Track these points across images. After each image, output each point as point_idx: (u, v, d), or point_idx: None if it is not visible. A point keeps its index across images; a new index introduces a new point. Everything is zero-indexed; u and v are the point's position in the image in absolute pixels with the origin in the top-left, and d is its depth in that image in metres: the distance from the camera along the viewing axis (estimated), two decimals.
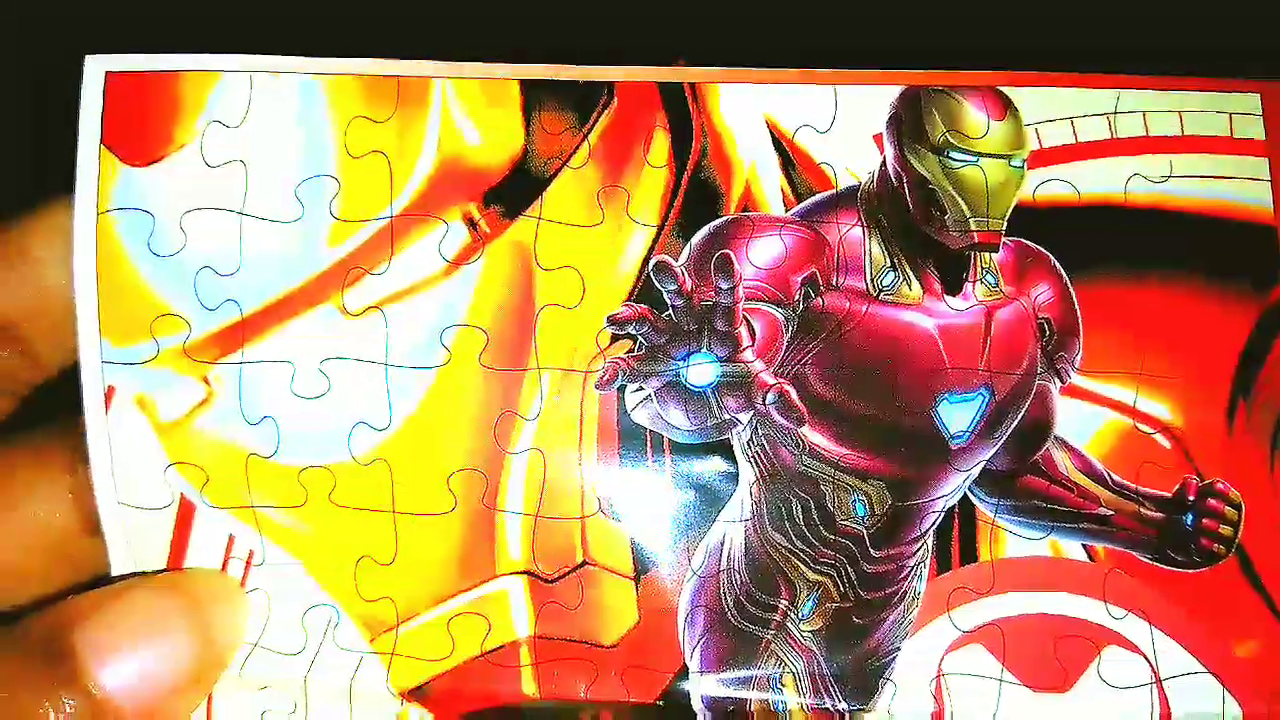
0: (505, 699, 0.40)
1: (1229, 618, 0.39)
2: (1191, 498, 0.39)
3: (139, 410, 0.40)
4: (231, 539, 0.40)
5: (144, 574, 0.40)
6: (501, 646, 0.40)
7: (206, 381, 0.40)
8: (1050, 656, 0.39)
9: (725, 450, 0.40)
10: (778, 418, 0.38)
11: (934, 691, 0.39)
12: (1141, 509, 0.40)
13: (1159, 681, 0.39)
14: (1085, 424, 0.40)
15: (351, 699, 0.40)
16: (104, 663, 0.37)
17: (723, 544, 0.39)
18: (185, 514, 0.40)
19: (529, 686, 0.40)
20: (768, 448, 0.39)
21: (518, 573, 0.40)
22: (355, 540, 0.40)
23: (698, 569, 0.39)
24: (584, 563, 0.40)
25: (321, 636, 0.40)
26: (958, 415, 0.39)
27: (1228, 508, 0.39)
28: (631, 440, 0.39)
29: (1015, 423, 0.40)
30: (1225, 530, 0.39)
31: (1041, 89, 0.41)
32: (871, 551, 0.39)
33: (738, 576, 0.39)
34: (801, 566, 0.40)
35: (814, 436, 0.39)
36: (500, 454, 0.39)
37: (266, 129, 0.40)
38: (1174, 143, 0.41)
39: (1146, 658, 0.39)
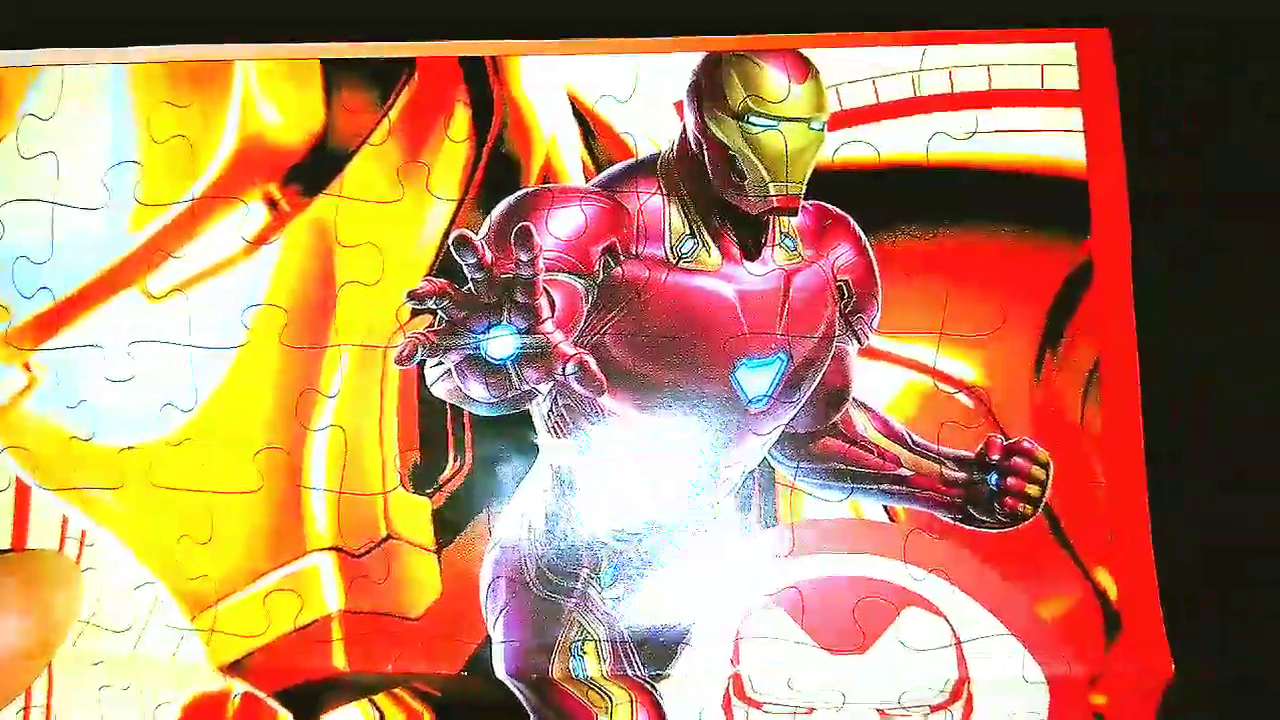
0: (317, 674, 0.41)
1: (1036, 578, 0.39)
2: (995, 457, 0.39)
3: None
4: (65, 520, 0.42)
5: None
6: (314, 622, 0.41)
7: (28, 368, 0.41)
8: (848, 619, 0.39)
9: (526, 421, 0.40)
10: (577, 388, 0.39)
11: (732, 655, 0.40)
12: (944, 469, 0.40)
13: (958, 643, 0.39)
14: (885, 385, 0.40)
15: (177, 675, 0.42)
16: None
17: (524, 514, 0.40)
18: (22, 496, 0.42)
19: (339, 660, 0.41)
20: (568, 418, 0.40)
21: (326, 549, 0.41)
22: (174, 520, 0.41)
23: (499, 540, 0.40)
24: (388, 536, 0.41)
25: (147, 614, 0.42)
26: (756, 379, 0.39)
27: (1034, 467, 0.39)
28: (432, 414, 0.40)
29: (813, 386, 0.40)
30: (1032, 490, 0.39)
31: (844, 49, 0.41)
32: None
33: (539, 546, 0.40)
34: (602, 534, 0.40)
35: (613, 404, 0.40)
36: (302, 431, 0.40)
37: (76, 119, 0.42)
38: (981, 98, 0.41)
39: (946, 619, 0.40)
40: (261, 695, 0.42)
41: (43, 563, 0.42)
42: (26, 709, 0.42)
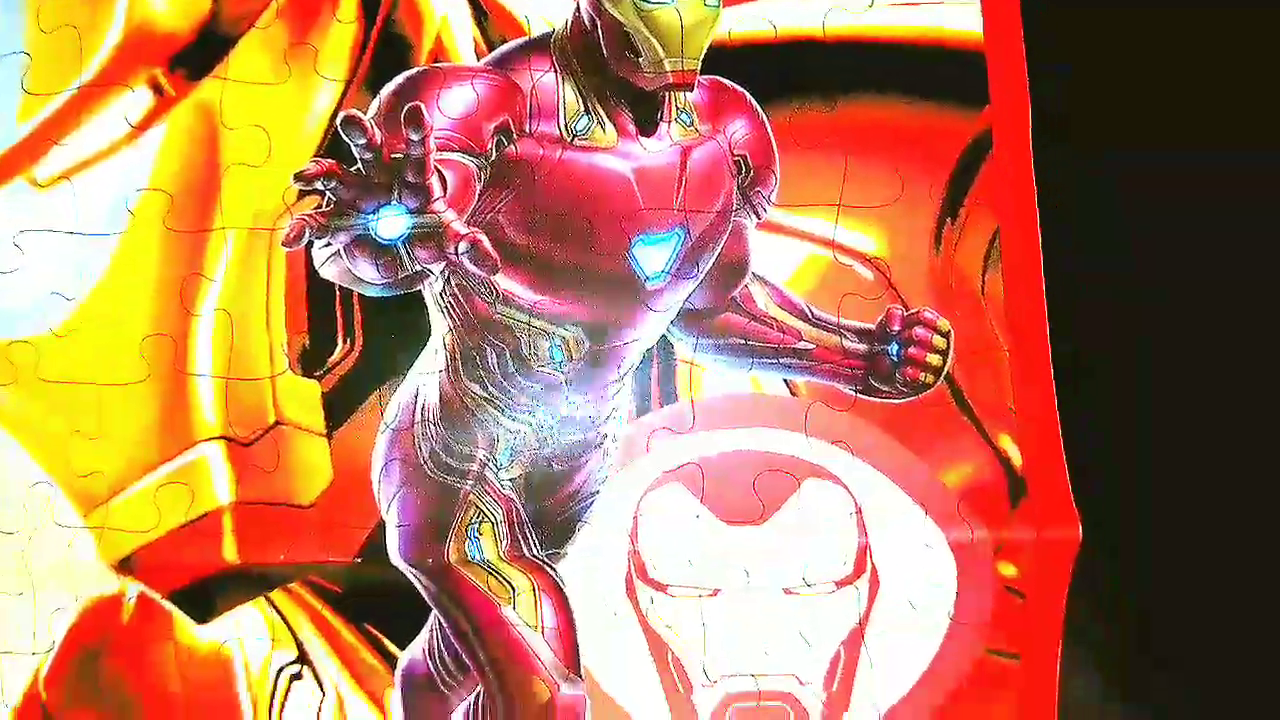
0: (208, 568, 0.41)
1: (938, 447, 0.39)
2: (896, 328, 0.39)
3: None
4: None
5: None
6: (204, 515, 0.40)
7: None
8: (748, 491, 0.39)
9: (417, 302, 0.40)
10: (470, 267, 0.38)
11: (630, 532, 0.40)
12: (844, 341, 0.40)
13: (859, 512, 0.39)
14: (784, 259, 0.40)
15: (71, 574, 0.41)
16: None
17: (416, 396, 0.40)
18: None
19: (230, 553, 0.40)
20: (460, 298, 0.40)
21: (215, 438, 0.40)
22: (64, 415, 0.41)
23: (391, 422, 0.40)
24: (277, 423, 0.40)
25: (41, 514, 0.41)
26: (653, 256, 0.39)
27: (935, 336, 0.39)
28: (320, 297, 0.40)
29: (712, 261, 0.40)
30: (933, 359, 0.39)
31: None
32: (569, 397, 0.40)
33: (433, 428, 0.40)
34: (498, 415, 0.40)
35: (508, 284, 0.39)
36: (187, 316, 0.40)
37: None
38: None
39: (847, 489, 0.39)
40: (155, 596, 0.41)
41: None
42: None
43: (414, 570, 0.40)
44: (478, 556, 0.40)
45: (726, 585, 0.40)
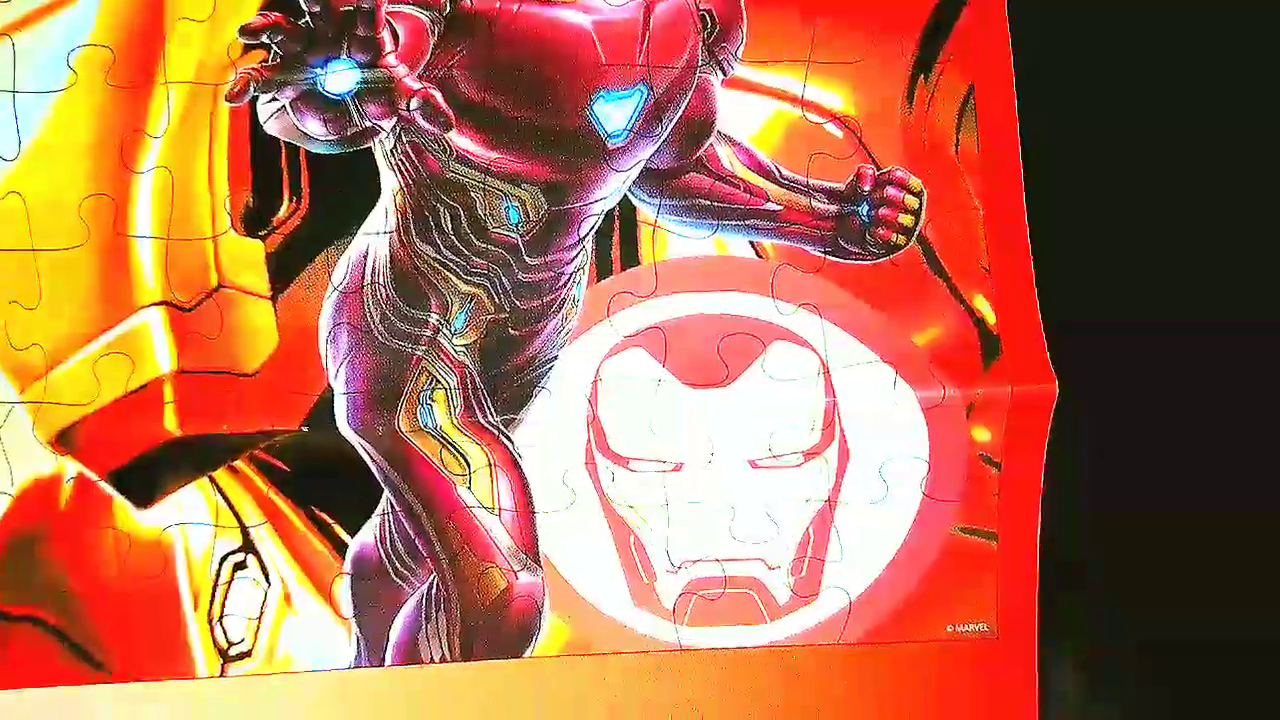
0: (149, 441, 0.39)
1: (909, 307, 0.38)
2: (867, 187, 0.38)
3: None
4: None
5: None
6: (145, 385, 0.39)
7: None
8: (712, 355, 0.38)
9: (367, 159, 0.39)
10: (423, 124, 0.37)
11: (590, 396, 0.39)
12: (813, 202, 0.39)
13: (826, 372, 0.38)
14: (751, 117, 0.39)
15: (5, 451, 0.40)
16: None
17: (366, 257, 0.39)
18: None
19: (171, 423, 0.39)
20: (413, 155, 0.38)
21: (156, 304, 0.39)
22: (3, 285, 0.40)
23: (339, 284, 0.39)
24: (219, 285, 0.39)
25: None
26: (615, 113, 0.38)
27: (907, 195, 0.38)
28: (265, 153, 0.39)
29: (675, 119, 0.39)
30: (905, 219, 0.38)
31: None
32: (526, 259, 0.39)
33: (383, 291, 0.39)
34: (452, 278, 0.39)
35: (462, 141, 0.38)
36: (127, 175, 0.39)
37: None
38: None
39: (815, 351, 0.38)
40: (94, 478, 0.40)
41: None
42: None
43: (364, 441, 0.39)
44: (430, 424, 0.38)
45: (690, 458, 0.39)
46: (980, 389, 0.38)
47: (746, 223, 0.39)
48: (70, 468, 0.40)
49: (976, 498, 0.38)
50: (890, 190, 0.38)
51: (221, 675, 0.40)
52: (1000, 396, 0.38)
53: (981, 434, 0.38)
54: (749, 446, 0.38)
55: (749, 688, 0.40)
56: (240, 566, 0.40)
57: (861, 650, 0.39)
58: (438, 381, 0.39)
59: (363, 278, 0.38)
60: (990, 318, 0.38)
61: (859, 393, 0.38)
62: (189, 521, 0.40)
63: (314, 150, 0.39)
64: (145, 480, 0.40)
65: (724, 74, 0.39)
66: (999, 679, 0.39)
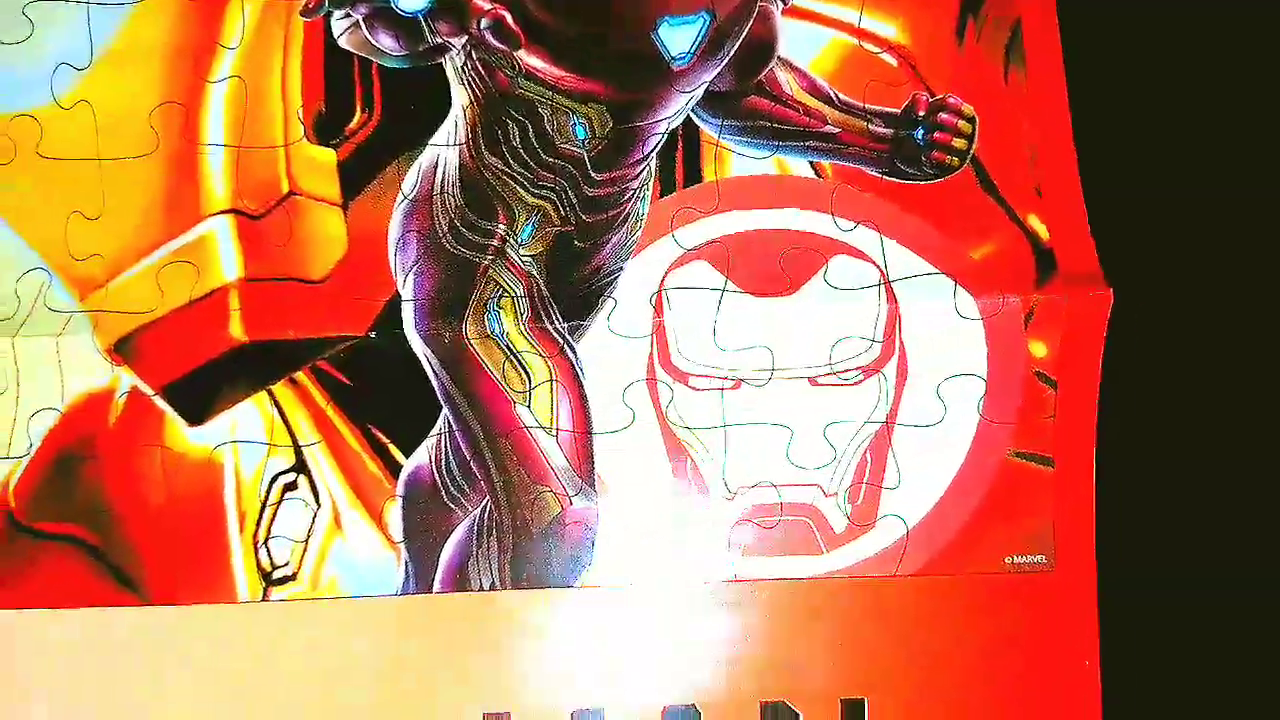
0: (211, 349, 0.41)
1: (965, 225, 0.41)
2: (921, 113, 0.41)
3: None
4: None
5: None
6: (210, 293, 0.41)
7: None
8: (775, 267, 0.40)
9: (438, 74, 0.42)
10: (493, 42, 0.40)
11: (654, 304, 0.41)
12: (870, 125, 0.42)
13: (887, 282, 0.41)
14: (809, 43, 0.42)
15: (60, 362, 0.41)
16: None
17: (436, 167, 0.41)
18: None
19: (236, 329, 0.41)
20: (482, 71, 0.41)
21: (224, 212, 0.41)
22: (63, 195, 0.41)
23: (409, 193, 0.41)
24: (290, 193, 0.41)
25: (34, 301, 0.41)
26: (679, 37, 0.41)
27: (961, 121, 0.41)
28: (338, 66, 0.41)
29: (737, 43, 0.42)
30: (959, 143, 0.41)
31: None
32: (592, 174, 0.41)
33: (452, 200, 0.41)
34: (520, 190, 0.41)
35: (531, 60, 0.41)
36: (200, 84, 0.41)
37: None
38: None
39: (875, 263, 0.41)
40: (149, 392, 0.41)
41: None
42: None
43: (429, 350, 0.40)
44: (498, 330, 0.40)
45: (749, 375, 0.41)
46: (1038, 296, 0.40)
47: (805, 144, 0.41)
48: (125, 381, 0.41)
49: (1032, 420, 0.40)
50: (944, 115, 0.41)
51: (264, 599, 0.41)
52: (1057, 304, 0.40)
53: (1038, 348, 0.40)
54: (809, 361, 0.40)
55: (804, 620, 0.41)
56: (291, 487, 0.41)
57: (918, 582, 0.41)
58: (504, 290, 0.41)
59: (432, 187, 0.41)
60: (1044, 234, 0.41)
61: (919, 302, 0.40)
62: (241, 440, 0.41)
63: (386, 65, 0.41)
64: (200, 395, 0.41)
65: (784, 3, 0.42)
66: (1057, 613, 0.41)
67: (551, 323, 0.40)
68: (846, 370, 0.40)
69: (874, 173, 0.41)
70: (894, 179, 0.41)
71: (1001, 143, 0.41)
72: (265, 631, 0.40)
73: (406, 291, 0.40)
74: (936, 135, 0.41)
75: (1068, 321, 0.40)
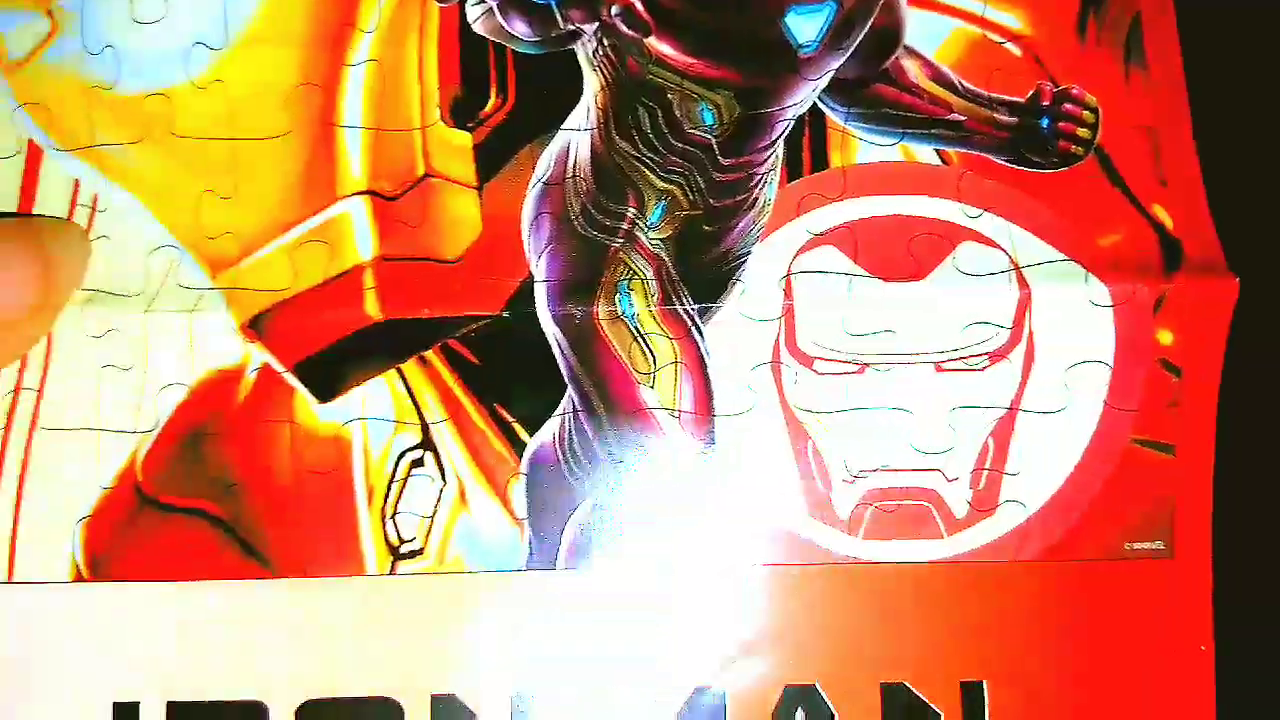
0: (345, 326, 0.42)
1: (1091, 214, 0.42)
2: (1046, 102, 0.42)
3: None
4: (77, 184, 0.43)
5: None
6: (344, 272, 0.42)
7: (50, 14, 0.43)
8: (903, 252, 0.41)
9: (570, 60, 0.43)
10: (624, 29, 0.42)
11: (784, 288, 0.42)
12: (995, 114, 0.43)
13: (1018, 268, 0.41)
14: (933, 32, 0.43)
15: (192, 339, 0.42)
16: None
17: (568, 151, 0.42)
18: (33, 162, 0.43)
19: (372, 308, 0.42)
20: (613, 58, 0.42)
21: (359, 193, 0.42)
22: (196, 174, 0.43)
23: (542, 176, 0.42)
24: (426, 175, 0.42)
25: (164, 277, 0.43)
26: (806, 25, 0.42)
27: (1085, 111, 0.42)
28: (473, 50, 0.43)
29: (863, 32, 0.43)
30: (1083, 133, 0.42)
31: None
32: (720, 159, 0.42)
33: (584, 184, 0.42)
34: (649, 174, 0.42)
35: (661, 47, 0.42)
36: (338, 66, 0.42)
37: None
38: None
39: (1004, 250, 0.42)
40: (280, 369, 0.42)
41: (48, 224, 0.43)
42: (16, 390, 0.42)
43: (559, 330, 0.41)
44: (628, 311, 0.41)
45: (875, 359, 0.41)
46: (1166, 285, 0.41)
47: (931, 131, 0.42)
48: (256, 358, 0.42)
49: (1155, 407, 0.41)
50: (1069, 105, 0.42)
51: (391, 573, 0.42)
52: (1184, 293, 0.41)
53: (1165, 336, 0.41)
54: (936, 346, 0.41)
55: (924, 603, 0.42)
56: (418, 464, 0.42)
57: (1037, 567, 0.41)
58: (634, 272, 0.42)
59: (564, 171, 0.42)
60: (1169, 223, 0.42)
61: (1050, 288, 0.41)
62: (370, 416, 0.42)
63: (520, 50, 0.42)
64: (330, 372, 0.42)
65: None
66: (1173, 599, 0.41)
67: (681, 304, 0.41)
68: (973, 356, 0.41)
69: (999, 160, 0.42)
70: (1019, 167, 0.42)
71: (1124, 134, 0.42)
72: (394, 604, 0.41)
73: (539, 272, 0.41)
74: (1062, 124, 0.42)
75: (1193, 310, 0.41)
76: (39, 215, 0.43)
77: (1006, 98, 0.42)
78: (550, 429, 0.42)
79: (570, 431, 0.42)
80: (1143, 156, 0.42)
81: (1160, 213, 0.42)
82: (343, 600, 0.41)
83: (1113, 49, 0.43)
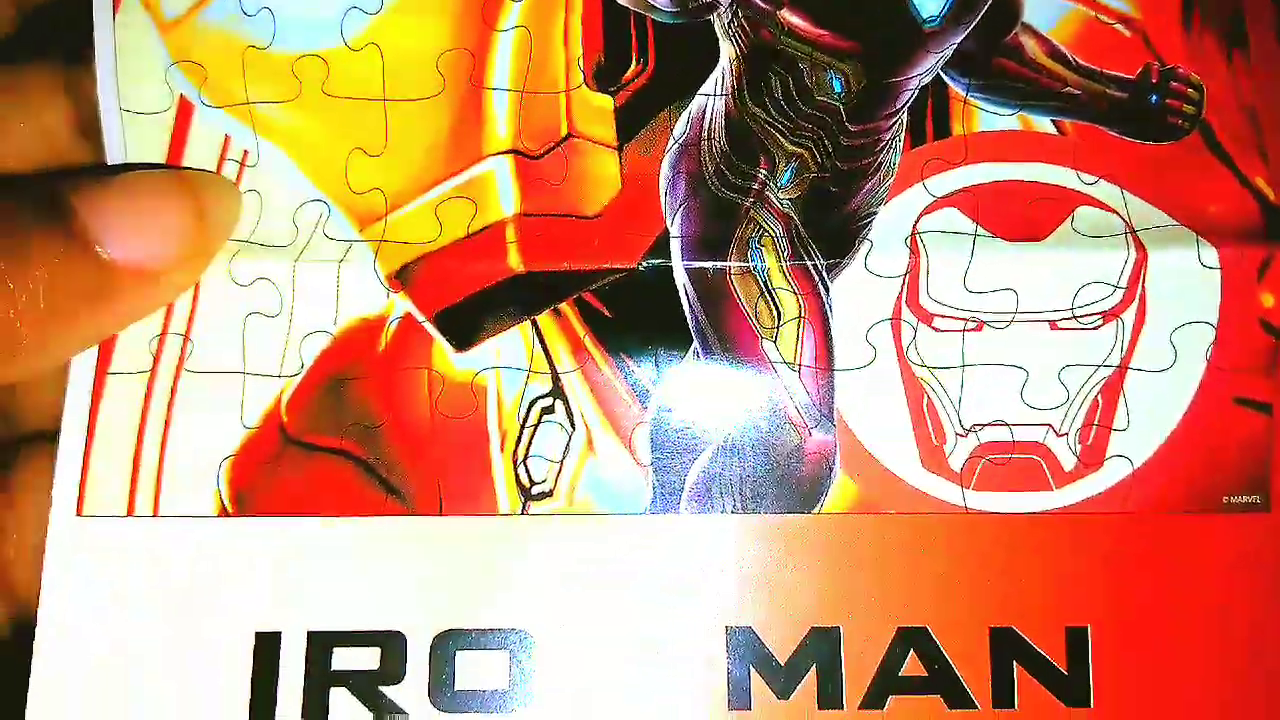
0: (487, 277, 0.45)
1: (1197, 183, 0.45)
2: (1154, 80, 0.46)
3: (144, 11, 0.46)
4: (227, 139, 0.46)
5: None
6: (488, 227, 0.45)
7: None
8: (1023, 214, 0.44)
9: (707, 29, 0.46)
10: (758, 2, 0.45)
11: (909, 246, 0.45)
12: (1107, 89, 0.46)
13: (1133, 231, 0.45)
14: (1049, 12, 0.46)
15: (339, 288, 0.45)
16: (104, 221, 0.42)
17: (704, 114, 0.45)
18: (183, 117, 0.46)
19: (514, 260, 0.45)
20: (748, 28, 0.45)
21: (504, 152, 0.45)
22: (347, 132, 0.46)
23: (679, 137, 0.45)
24: (569, 135, 0.45)
25: (312, 230, 0.46)
26: (931, 1, 0.46)
27: (1190, 89, 0.45)
28: (615, 19, 0.46)
29: (985, 7, 0.46)
30: (1188, 109, 0.45)
31: None
32: (848, 126, 0.45)
33: (718, 145, 0.45)
34: (780, 138, 0.45)
35: (793, 19, 0.45)
36: (488, 32, 0.46)
37: None
38: None
39: (1119, 214, 0.45)
40: (421, 318, 0.45)
41: (201, 174, 0.46)
42: (163, 335, 0.45)
43: (691, 283, 0.44)
44: (759, 266, 0.44)
45: (992, 317, 0.44)
46: (1273, 249, 0.44)
47: (1048, 104, 0.45)
48: (399, 307, 0.45)
49: (1255, 367, 0.44)
50: (1175, 84, 0.45)
51: (523, 513, 0.45)
52: None
53: (1267, 299, 0.44)
54: (1053, 305, 0.44)
55: (1031, 552, 0.44)
56: (548, 411, 0.45)
57: (1140, 519, 0.44)
58: (765, 230, 0.45)
59: (700, 133, 0.45)
60: (1270, 194, 0.45)
61: (1164, 250, 0.44)
62: (503, 365, 0.45)
63: (658, 19, 0.46)
64: (468, 323, 0.45)
65: None
66: (1270, 550, 0.44)
67: (811, 260, 0.44)
68: (1088, 315, 0.44)
69: (1112, 132, 0.45)
70: (1130, 139, 0.45)
71: (1227, 112, 0.45)
72: (525, 543, 0.44)
73: (674, 229, 0.44)
74: (1169, 101, 0.45)
75: None
76: (192, 168, 0.46)
77: (1118, 74, 0.46)
78: (675, 381, 0.45)
79: (694, 382, 0.45)
80: (1245, 133, 0.45)
81: (1262, 185, 0.45)
82: (477, 537, 0.44)
83: (1216, 32, 0.46)
